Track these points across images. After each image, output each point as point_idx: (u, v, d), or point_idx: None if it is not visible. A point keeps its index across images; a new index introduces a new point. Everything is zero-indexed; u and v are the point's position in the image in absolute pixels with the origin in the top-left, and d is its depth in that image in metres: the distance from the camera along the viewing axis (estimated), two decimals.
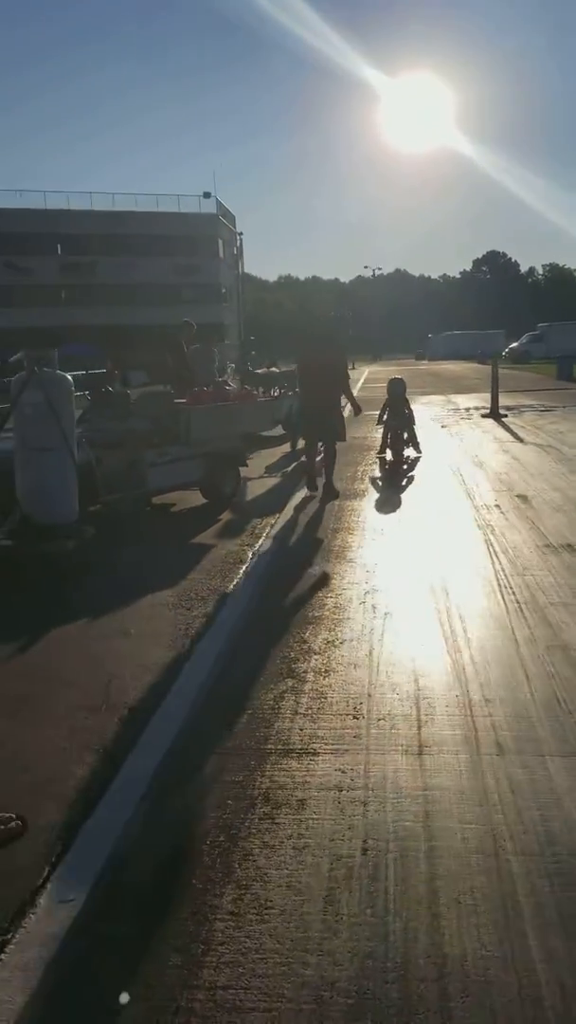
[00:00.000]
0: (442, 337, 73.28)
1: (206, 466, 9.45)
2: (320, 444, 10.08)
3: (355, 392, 11.03)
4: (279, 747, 3.72)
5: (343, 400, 10.14)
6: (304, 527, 8.27)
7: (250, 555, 7.17)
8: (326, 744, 3.74)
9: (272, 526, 8.25)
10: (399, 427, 12.10)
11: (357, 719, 4.00)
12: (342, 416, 10.07)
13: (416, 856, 2.89)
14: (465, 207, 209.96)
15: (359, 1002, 2.24)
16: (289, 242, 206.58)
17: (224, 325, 59.94)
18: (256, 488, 10.56)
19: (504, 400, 21.68)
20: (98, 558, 6.99)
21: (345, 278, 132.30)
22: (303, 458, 10.59)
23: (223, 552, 7.30)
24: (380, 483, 10.61)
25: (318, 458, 10.05)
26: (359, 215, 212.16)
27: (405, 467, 11.50)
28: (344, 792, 3.33)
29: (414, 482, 10.42)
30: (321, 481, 9.77)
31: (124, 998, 2.24)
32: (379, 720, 3.97)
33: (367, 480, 10.81)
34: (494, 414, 18.47)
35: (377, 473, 11.30)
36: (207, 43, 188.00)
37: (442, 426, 17.28)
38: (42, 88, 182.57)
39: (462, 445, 13.95)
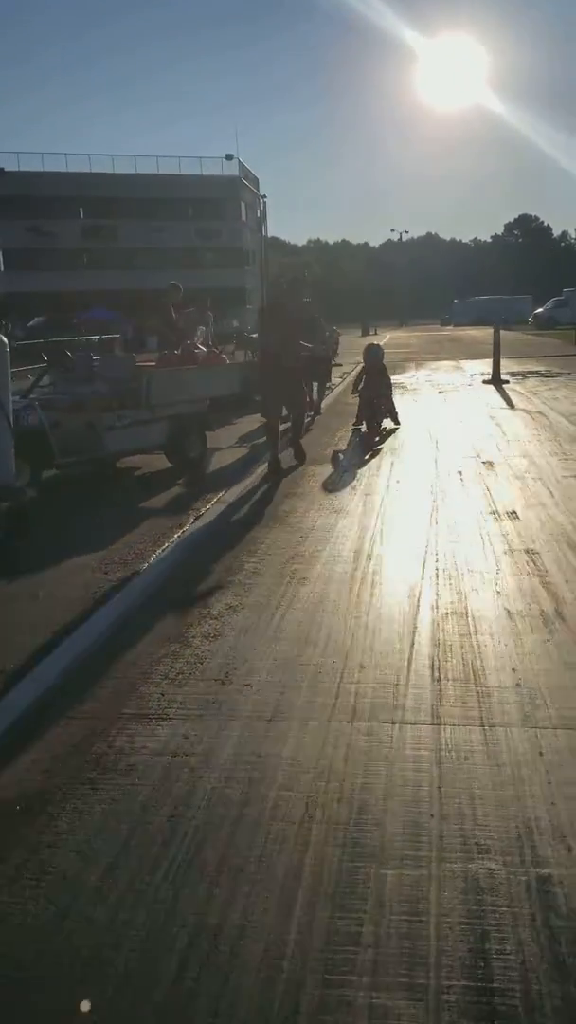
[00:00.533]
0: (467, 302, 72.15)
1: (170, 430, 9.40)
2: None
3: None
4: (133, 712, 3.68)
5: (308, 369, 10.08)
6: (257, 494, 8.16)
7: (191, 520, 7.11)
8: (183, 709, 3.70)
9: (226, 491, 8.17)
10: (374, 396, 11.70)
11: (224, 684, 3.95)
12: (303, 385, 9.88)
13: (218, 825, 2.85)
14: (498, 170, 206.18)
15: (94, 971, 2.21)
16: (319, 205, 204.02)
17: (246, 289, 59.61)
18: (225, 457, 10.41)
19: (514, 366, 21.41)
20: (38, 521, 6.96)
21: (375, 242, 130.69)
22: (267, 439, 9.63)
23: (165, 518, 7.26)
24: (349, 452, 10.43)
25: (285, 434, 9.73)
26: (390, 178, 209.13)
27: (377, 439, 11.05)
28: (178, 758, 3.28)
29: (384, 451, 10.22)
30: (287, 455, 9.45)
31: None
32: (245, 686, 3.92)
33: (335, 449, 10.64)
34: (495, 380, 18.21)
35: (343, 446, 10.90)
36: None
37: (439, 392, 17.07)
38: (63, 49, 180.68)
39: (450, 412, 13.75)
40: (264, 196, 57.21)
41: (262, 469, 9.11)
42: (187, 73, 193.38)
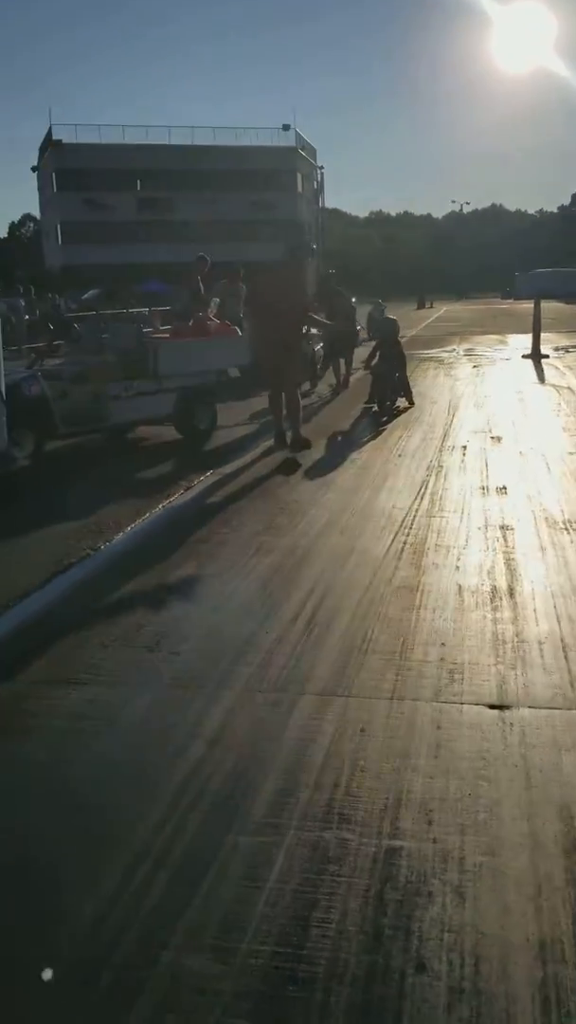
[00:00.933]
0: (530, 275, 70.47)
1: (178, 401, 9.44)
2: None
3: (414, 331, 10.80)
4: (52, 678, 3.74)
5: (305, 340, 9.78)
6: (253, 468, 8.09)
7: (180, 492, 7.15)
8: (100, 676, 3.75)
9: (219, 466, 8.16)
10: (388, 373, 11.17)
11: (152, 652, 3.99)
12: (298, 359, 9.38)
13: (93, 789, 2.90)
14: (565, 139, 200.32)
15: None
16: (380, 177, 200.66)
17: None
18: (232, 432, 10.21)
19: (562, 340, 21.01)
20: (29, 488, 7.08)
21: (438, 213, 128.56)
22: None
23: (155, 489, 7.31)
24: (357, 428, 10.30)
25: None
26: (454, 148, 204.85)
27: (386, 418, 10.52)
28: (80, 722, 3.34)
29: (394, 427, 10.02)
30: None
31: None
32: (172, 654, 3.96)
33: (341, 427, 10.49)
34: (534, 355, 17.84)
35: (351, 424, 10.49)
36: None
37: (474, 366, 16.87)
38: (121, 20, 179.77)
39: (478, 387, 13.56)
40: (321, 167, 56.90)
41: (266, 443, 9.08)
42: (247, 43, 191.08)
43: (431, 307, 53.01)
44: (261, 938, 2.19)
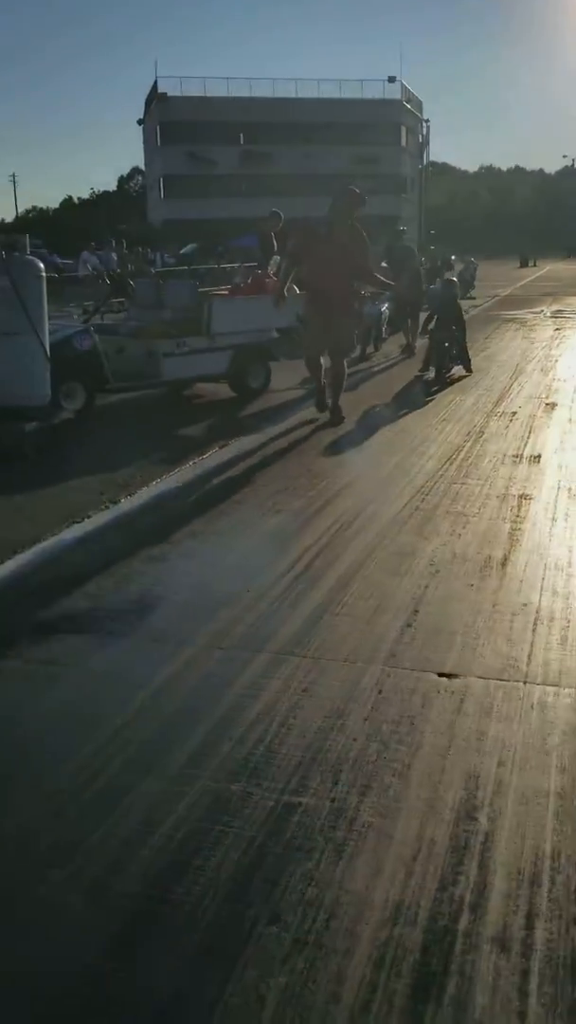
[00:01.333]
0: None
1: (232, 359, 9.50)
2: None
3: (507, 290, 10.27)
4: (36, 627, 3.92)
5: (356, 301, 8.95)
6: (288, 435, 7.83)
7: (212, 452, 7.19)
8: (73, 626, 3.91)
9: (261, 426, 8.17)
10: (445, 340, 10.51)
11: (132, 606, 4.13)
12: (350, 324, 8.47)
13: (23, 734, 3.06)
14: None
15: None
16: (492, 130, 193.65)
17: (402, 218, 58.04)
18: (283, 396, 9.84)
19: None
20: (70, 440, 7.29)
21: (550, 168, 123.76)
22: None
23: (189, 447, 7.38)
24: (407, 395, 10.15)
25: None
26: (571, 100, 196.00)
27: (437, 388, 10.00)
28: (44, 668, 3.51)
29: (449, 391, 9.81)
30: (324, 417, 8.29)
31: None
32: (149, 608, 4.09)
33: (400, 387, 10.34)
34: None
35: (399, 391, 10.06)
36: None
37: (556, 329, 16.41)
38: None
39: (551, 350, 13.22)
40: (427, 120, 55.45)
41: (301, 417, 8.66)
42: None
43: (534, 265, 51.36)
44: (136, 880, 2.30)
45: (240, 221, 52.27)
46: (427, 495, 5.76)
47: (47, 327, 7.18)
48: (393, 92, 60.64)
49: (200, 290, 10.21)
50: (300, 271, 8.39)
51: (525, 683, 3.29)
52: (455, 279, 11.49)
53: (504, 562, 4.55)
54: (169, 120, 58.76)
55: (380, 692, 3.25)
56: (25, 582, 4.42)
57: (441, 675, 3.37)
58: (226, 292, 10.31)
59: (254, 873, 2.32)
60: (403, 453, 6.94)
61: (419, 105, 64.86)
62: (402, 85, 61.22)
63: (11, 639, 3.76)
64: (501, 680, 3.31)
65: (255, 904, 2.21)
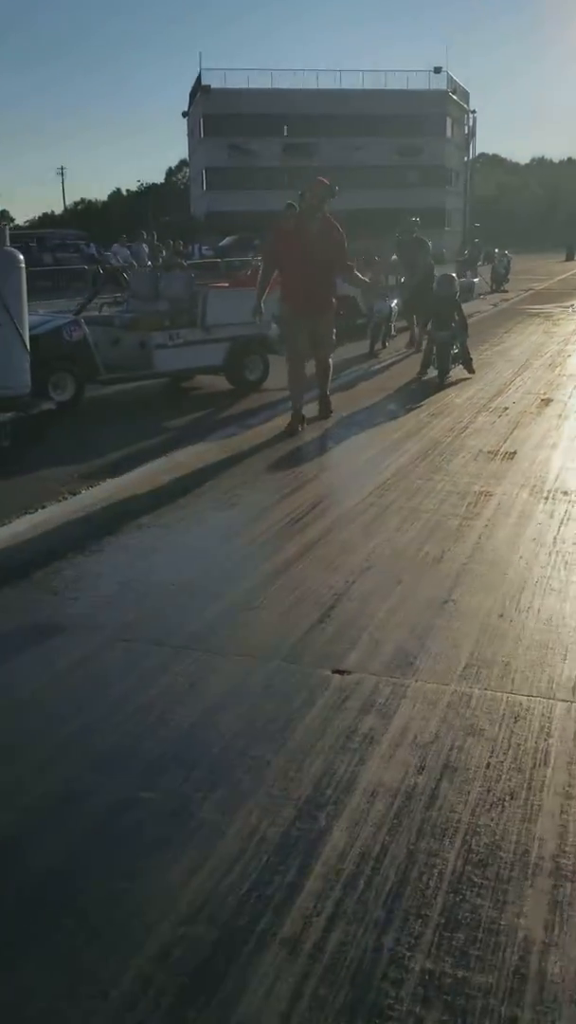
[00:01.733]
0: None
1: (229, 351, 9.51)
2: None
3: (545, 284, 9.79)
4: None
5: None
6: (268, 427, 7.75)
7: (187, 447, 7.16)
8: (8, 614, 3.95)
9: (246, 420, 8.15)
10: (446, 339, 9.80)
11: (55, 596, 4.16)
12: (330, 321, 7.96)
13: None
14: None
15: None
16: (544, 122, 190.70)
17: (447, 210, 57.63)
18: (274, 394, 9.51)
19: None
20: (49, 431, 7.35)
21: None
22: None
23: (169, 440, 7.42)
24: (406, 392, 10.03)
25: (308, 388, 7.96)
26: None
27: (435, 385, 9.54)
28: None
29: (452, 384, 9.71)
30: (312, 412, 7.94)
31: None
32: (71, 599, 4.12)
33: (399, 383, 10.19)
34: None
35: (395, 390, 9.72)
36: None
37: None
38: None
39: (567, 345, 13.00)
40: (473, 111, 54.68)
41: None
42: None
43: None
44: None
45: (280, 214, 52.28)
46: (387, 491, 5.71)
47: (26, 318, 7.24)
48: (439, 83, 60.04)
49: (198, 283, 10.21)
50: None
51: (416, 681, 3.24)
52: (454, 275, 10.83)
53: (439, 560, 4.49)
54: (212, 112, 58.85)
55: (268, 687, 3.23)
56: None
57: (336, 672, 3.33)
58: (226, 284, 10.29)
59: (73, 864, 2.32)
60: (378, 448, 6.90)
61: (465, 96, 64.11)
62: (448, 76, 60.61)
63: None
64: (393, 677, 3.27)
65: (56, 898, 2.21)
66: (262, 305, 7.68)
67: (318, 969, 1.96)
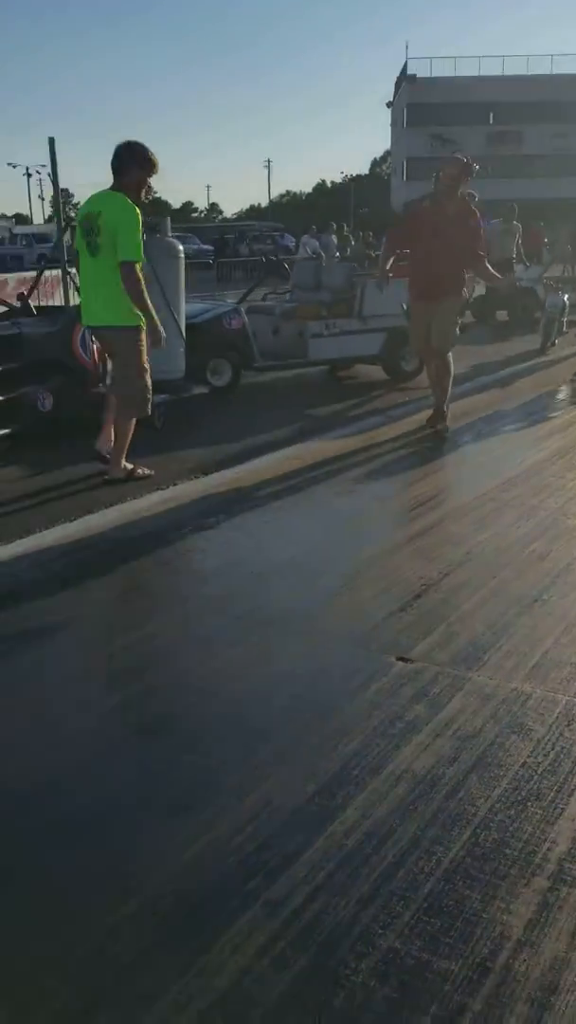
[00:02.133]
0: None
1: (386, 341, 9.55)
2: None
3: None
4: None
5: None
6: (402, 427, 7.45)
7: (295, 444, 7.00)
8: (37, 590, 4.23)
9: (381, 422, 7.92)
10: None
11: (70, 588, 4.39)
12: (452, 313, 7.07)
13: None
14: None
15: None
16: None
17: None
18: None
19: None
20: (204, 415, 7.68)
21: None
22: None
23: (307, 429, 7.51)
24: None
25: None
26: None
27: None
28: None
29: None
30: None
31: None
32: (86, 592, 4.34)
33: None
34: None
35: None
36: None
37: None
38: None
39: None
40: None
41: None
42: None
43: None
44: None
45: (487, 204, 51.05)
46: (512, 486, 5.60)
47: (183, 305, 7.56)
48: None
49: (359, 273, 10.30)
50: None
51: (478, 675, 3.22)
52: None
53: (544, 557, 4.39)
54: (416, 102, 58.34)
55: (327, 669, 3.31)
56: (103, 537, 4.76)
57: (399, 659, 3.36)
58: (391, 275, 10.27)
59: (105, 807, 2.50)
60: (516, 444, 6.73)
61: None
62: None
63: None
64: (455, 670, 3.26)
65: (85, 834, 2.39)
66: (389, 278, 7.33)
67: (290, 933, 2.04)
